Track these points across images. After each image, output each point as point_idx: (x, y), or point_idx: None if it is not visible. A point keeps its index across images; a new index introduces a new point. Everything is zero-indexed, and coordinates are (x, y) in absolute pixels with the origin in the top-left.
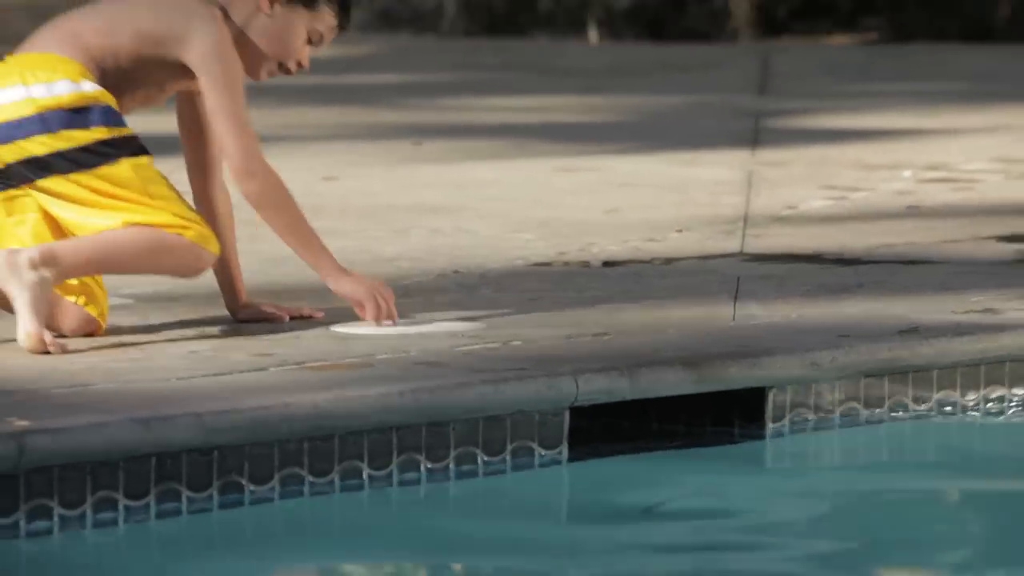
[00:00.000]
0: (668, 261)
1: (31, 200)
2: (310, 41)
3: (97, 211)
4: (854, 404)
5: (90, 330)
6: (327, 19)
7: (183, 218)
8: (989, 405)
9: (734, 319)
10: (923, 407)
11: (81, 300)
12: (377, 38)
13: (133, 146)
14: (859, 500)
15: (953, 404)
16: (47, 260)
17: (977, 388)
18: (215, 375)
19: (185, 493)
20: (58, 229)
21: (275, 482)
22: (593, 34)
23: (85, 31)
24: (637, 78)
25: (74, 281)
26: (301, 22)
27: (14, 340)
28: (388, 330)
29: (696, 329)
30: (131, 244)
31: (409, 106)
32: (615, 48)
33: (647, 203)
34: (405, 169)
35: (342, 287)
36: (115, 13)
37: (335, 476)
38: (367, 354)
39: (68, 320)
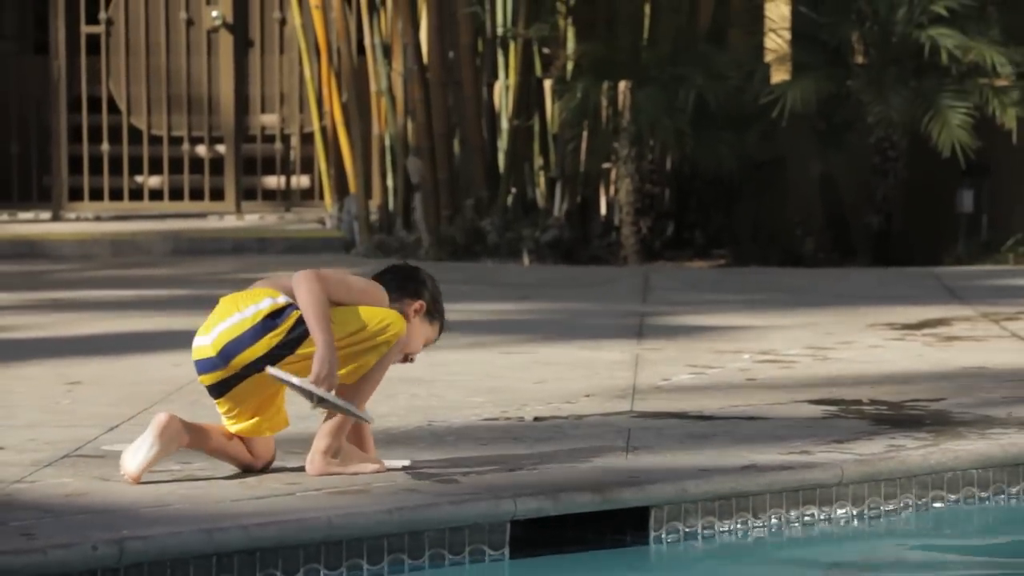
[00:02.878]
0: (579, 417)
1: (234, 404)
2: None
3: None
4: (711, 519)
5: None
6: (435, 331)
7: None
8: (806, 519)
9: (626, 458)
10: (759, 522)
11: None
12: (373, 262)
13: None
14: None
15: (779, 519)
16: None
17: (797, 507)
18: (258, 498)
19: None
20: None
21: (300, 574)
22: (526, 259)
23: (283, 276)
24: (557, 290)
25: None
26: (424, 331)
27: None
28: (305, 384)
29: (599, 465)
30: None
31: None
32: (541, 269)
33: (564, 376)
34: None
35: (318, 351)
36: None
37: (343, 570)
38: (367, 483)
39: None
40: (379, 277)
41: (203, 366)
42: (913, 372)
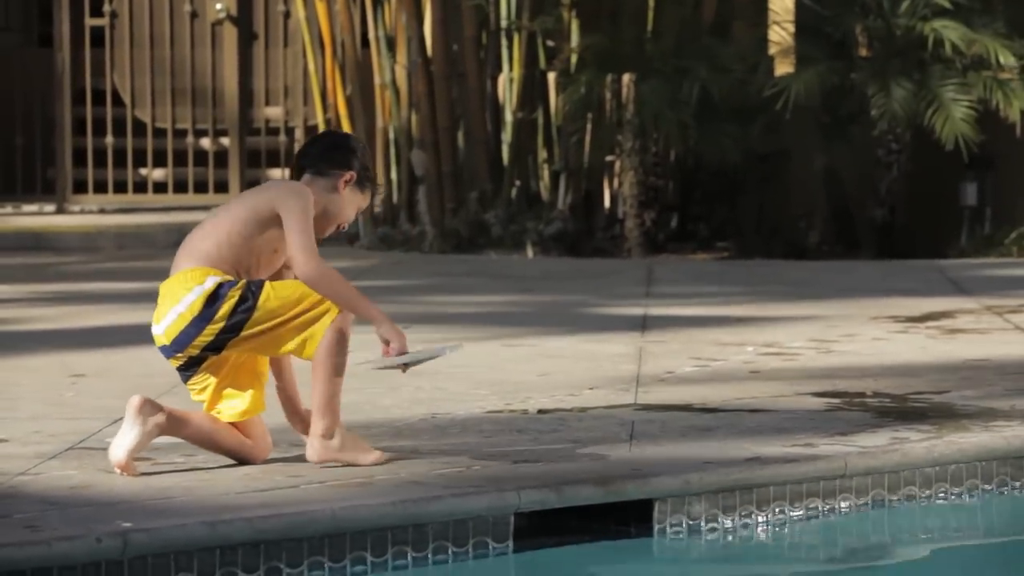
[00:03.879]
0: (583, 410)
1: (208, 374)
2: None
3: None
4: (715, 511)
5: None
6: (367, 198)
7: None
8: (808, 512)
9: (630, 450)
10: (763, 514)
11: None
12: (378, 255)
13: (254, 288)
14: None
15: (783, 511)
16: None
17: (800, 500)
18: (261, 490)
19: (240, 575)
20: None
21: (304, 567)
22: (530, 251)
23: (199, 240)
24: (561, 282)
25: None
26: (356, 199)
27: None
28: (395, 359)
29: (603, 457)
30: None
31: (401, 301)
32: (545, 261)
33: (568, 369)
34: None
35: (382, 330)
36: (221, 213)
37: (347, 562)
38: (370, 475)
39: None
40: (306, 148)
41: (165, 352)
42: (917, 364)
